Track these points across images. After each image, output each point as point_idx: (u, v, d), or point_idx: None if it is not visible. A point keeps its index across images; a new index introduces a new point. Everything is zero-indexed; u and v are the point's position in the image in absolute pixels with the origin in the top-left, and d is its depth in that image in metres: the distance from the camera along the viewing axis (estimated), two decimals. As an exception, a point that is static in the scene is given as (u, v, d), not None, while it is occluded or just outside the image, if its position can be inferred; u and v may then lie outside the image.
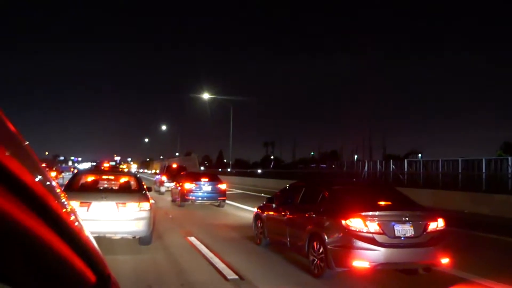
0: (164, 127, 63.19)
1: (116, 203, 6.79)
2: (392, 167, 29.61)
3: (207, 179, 15.29)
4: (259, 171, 49.91)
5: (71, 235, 0.66)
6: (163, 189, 21.67)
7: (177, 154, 63.32)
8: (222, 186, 15.50)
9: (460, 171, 23.01)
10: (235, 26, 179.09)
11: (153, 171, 75.33)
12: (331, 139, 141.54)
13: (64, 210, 0.67)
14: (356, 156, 56.48)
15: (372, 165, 33.25)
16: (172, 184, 18.56)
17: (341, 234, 5.26)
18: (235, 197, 18.85)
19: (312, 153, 76.67)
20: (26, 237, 0.52)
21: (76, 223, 0.73)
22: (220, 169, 58.68)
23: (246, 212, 13.80)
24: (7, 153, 0.49)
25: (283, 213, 6.82)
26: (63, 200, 0.72)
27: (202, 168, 54.50)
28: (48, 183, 0.63)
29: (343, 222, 5.26)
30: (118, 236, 6.91)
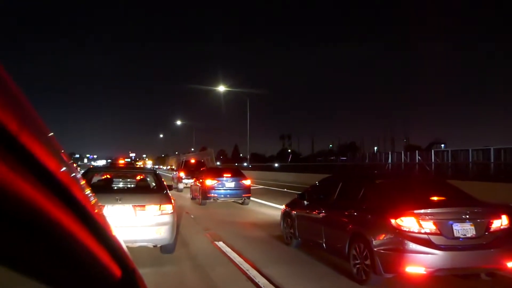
0: (178, 122, 63.09)
1: (133, 206, 6.33)
2: (418, 158, 28.95)
3: (230, 175, 15.05)
4: (276, 165, 50.01)
5: (97, 228, 0.68)
6: (181, 186, 21.65)
7: (192, 149, 63.63)
8: (247, 182, 15.18)
9: (492, 160, 22.33)
10: (250, 18, 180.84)
11: (169, 167, 76.14)
12: (349, 131, 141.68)
13: (90, 202, 0.69)
14: (376, 148, 55.71)
15: (396, 156, 32.66)
16: (191, 181, 18.49)
17: (391, 235, 4.89)
18: (257, 193, 18.55)
19: (331, 146, 76.12)
20: (53, 227, 0.53)
21: (102, 216, 0.73)
22: (236, 164, 58.67)
23: (271, 209, 13.68)
24: (35, 140, 0.50)
25: (317, 211, 6.57)
26: (88, 192, 0.73)
27: (218, 163, 54.55)
28: (73, 174, 0.64)
29: (393, 221, 4.89)
30: (136, 245, 6.46)
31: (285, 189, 22.15)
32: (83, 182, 0.71)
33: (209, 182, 14.82)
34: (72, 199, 0.59)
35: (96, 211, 0.70)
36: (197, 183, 15.81)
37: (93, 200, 0.74)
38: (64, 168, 0.58)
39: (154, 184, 7.88)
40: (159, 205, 6.44)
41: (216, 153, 60.89)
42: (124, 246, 0.84)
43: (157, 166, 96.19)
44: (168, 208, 6.51)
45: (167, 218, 6.45)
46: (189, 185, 18.93)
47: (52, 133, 0.60)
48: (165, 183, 7.51)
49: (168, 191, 6.98)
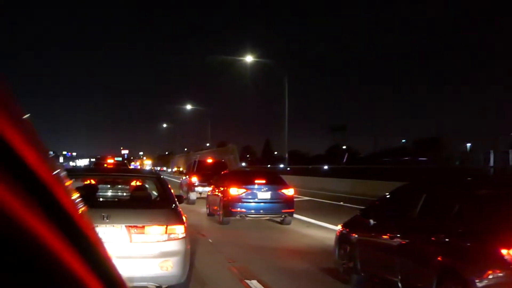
0: (188, 107, 63.34)
1: (128, 227, 6.33)
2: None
3: (264, 181, 15.12)
4: (326, 167, 49.58)
5: (86, 245, 0.72)
6: (193, 196, 22.06)
7: (207, 144, 63.78)
8: (288, 192, 15.08)
9: None
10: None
11: (175, 169, 77.23)
12: (428, 122, 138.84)
13: (77, 211, 0.73)
14: (469, 145, 54.43)
15: (501, 157, 31.55)
16: (207, 189, 18.90)
17: (502, 273, 4.90)
18: (300, 207, 18.32)
19: (404, 141, 74.93)
20: (28, 240, 0.57)
21: (92, 230, 0.78)
22: (268, 165, 58.65)
23: (321, 230, 14.00)
24: (7, 122, 0.54)
25: (389, 235, 6.64)
26: (76, 197, 0.78)
27: (243, 164, 54.42)
28: (57, 171, 0.67)
29: (505, 252, 4.87)
30: (131, 286, 6.39)
31: (341, 202, 22.24)
32: (68, 183, 0.75)
33: (234, 191, 14.75)
34: (53, 205, 0.61)
35: (84, 222, 0.73)
36: (217, 193, 15.91)
37: (81, 208, 0.78)
38: (45, 161, 0.61)
39: (156, 194, 8.03)
40: (165, 226, 6.43)
41: (240, 151, 60.88)
42: (119, 271, 0.90)
43: (158, 168, 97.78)
44: (179, 230, 6.50)
45: (177, 246, 6.45)
46: (205, 195, 19.11)
47: (28, 114, 0.64)
48: (173, 193, 7.39)
49: (178, 205, 7.01)
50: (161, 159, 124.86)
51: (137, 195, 7.66)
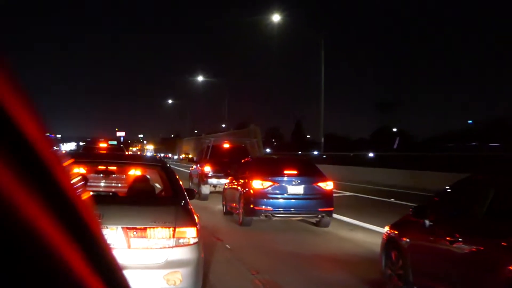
0: (200, 78, 63.44)
1: (125, 228, 6.44)
2: None
3: (295, 172, 15.17)
4: (371, 154, 49.47)
5: (95, 246, 0.79)
6: (206, 189, 22.38)
7: (223, 125, 63.89)
8: (326, 186, 15.11)
9: None
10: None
11: (182, 156, 77.77)
12: (500, 99, 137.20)
13: (80, 198, 0.79)
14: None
15: None
16: (223, 181, 19.35)
17: None
18: (340, 205, 18.39)
19: (471, 122, 74.16)
20: (27, 236, 0.62)
21: (95, 222, 0.86)
22: (299, 152, 58.71)
23: (365, 233, 14.26)
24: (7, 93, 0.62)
25: (449, 238, 6.66)
26: (78, 182, 0.86)
27: (267, 150, 54.42)
28: (57, 152, 0.74)
29: None
30: None
31: (392, 199, 22.25)
32: (69, 162, 0.88)
33: (257, 184, 14.81)
34: (53, 191, 0.66)
35: (87, 213, 0.79)
36: (236, 186, 16.07)
37: (84, 194, 0.84)
38: (43, 141, 0.68)
39: (161, 187, 8.18)
40: (172, 228, 6.50)
41: (264, 134, 60.71)
42: (122, 269, 0.98)
43: (162, 155, 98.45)
44: (190, 233, 6.59)
45: (188, 253, 6.54)
46: (221, 189, 19.43)
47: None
48: (182, 186, 7.44)
49: (189, 201, 7.09)
50: (166, 144, 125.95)
51: (137, 188, 7.68)
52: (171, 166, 8.96)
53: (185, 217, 6.63)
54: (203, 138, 43.87)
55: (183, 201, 6.93)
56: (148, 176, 9.02)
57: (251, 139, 34.57)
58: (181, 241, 6.46)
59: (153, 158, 10.91)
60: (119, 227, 6.36)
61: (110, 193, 10.62)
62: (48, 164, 0.67)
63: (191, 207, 6.94)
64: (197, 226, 6.68)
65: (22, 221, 0.61)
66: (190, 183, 24.58)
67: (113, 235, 6.29)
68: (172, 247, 6.44)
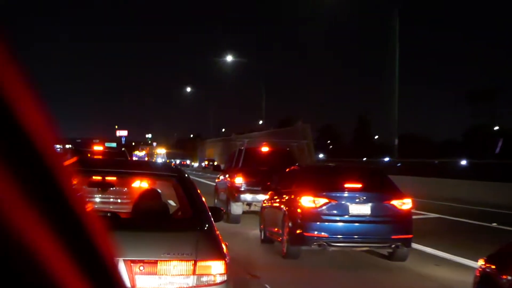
0: (229, 58, 63.58)
1: (129, 262, 6.54)
2: None
3: (359, 185, 15.17)
4: (464, 162, 49.18)
5: (97, 260, 0.88)
6: (237, 208, 22.45)
7: (260, 122, 63.91)
8: (403, 204, 15.01)
9: None
10: None
11: (205, 163, 77.95)
12: None
13: (88, 214, 0.89)
14: None
15: None
16: (261, 197, 19.47)
17: None
18: (422, 231, 18.15)
19: None
20: (12, 245, 0.69)
21: (108, 243, 0.96)
22: (364, 158, 58.62)
23: (455, 270, 14.23)
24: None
25: None
26: (86, 196, 1.11)
27: (320, 155, 54.33)
28: (62, 160, 0.84)
29: None
30: None
31: (494, 224, 22.20)
32: (72, 160, 1.12)
33: (308, 201, 14.73)
34: (57, 192, 0.74)
35: (94, 221, 0.88)
36: (278, 203, 16.08)
37: (87, 203, 0.93)
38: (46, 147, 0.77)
39: (176, 205, 8.51)
40: (192, 262, 6.59)
41: (315, 134, 60.33)
42: None
43: (177, 161, 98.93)
44: (216, 268, 6.67)
45: None
46: (258, 208, 19.63)
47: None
48: (205, 203, 7.49)
49: (214, 224, 7.19)
50: (183, 147, 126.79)
51: (145, 207, 7.76)
52: (190, 176, 8.94)
53: (210, 247, 6.71)
54: (234, 139, 44.06)
55: (207, 225, 7.00)
56: (159, 191, 9.11)
57: (299, 140, 34.53)
58: (204, 279, 6.51)
59: (166, 166, 11.01)
60: (121, 260, 6.37)
61: (109, 214, 10.66)
62: (48, 165, 0.74)
63: (218, 233, 6.99)
64: (226, 259, 6.70)
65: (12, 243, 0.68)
66: (216, 200, 24.65)
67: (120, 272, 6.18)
68: (192, 287, 6.47)
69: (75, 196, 0.84)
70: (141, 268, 6.45)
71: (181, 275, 6.50)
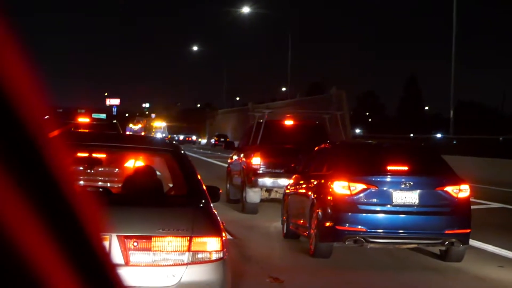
0: (246, 9, 63.52)
1: (122, 238, 7.11)
2: None
3: (406, 168, 15.24)
4: None
5: (92, 262, 0.96)
6: (254, 195, 22.52)
7: (283, 89, 63.68)
8: (459, 192, 15.00)
9: None
10: None
11: (214, 139, 77.78)
12: None
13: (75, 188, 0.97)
14: None
15: None
16: (283, 182, 19.88)
17: None
18: (483, 224, 18.19)
19: None
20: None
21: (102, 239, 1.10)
22: (412, 134, 58.41)
23: None
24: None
25: None
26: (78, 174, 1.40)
27: (357, 130, 54.35)
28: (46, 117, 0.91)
29: None
30: None
31: None
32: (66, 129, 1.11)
33: (342, 187, 14.78)
34: (53, 185, 0.81)
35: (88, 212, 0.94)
36: (305, 190, 16.21)
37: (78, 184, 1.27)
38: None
39: (174, 179, 9.04)
40: (188, 238, 7.19)
41: (352, 103, 60.02)
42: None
43: (180, 137, 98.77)
44: (213, 245, 7.29)
45: (210, 273, 7.29)
46: (279, 195, 19.79)
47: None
48: (200, 178, 8.03)
49: (210, 201, 7.87)
50: (188, 119, 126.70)
51: (137, 184, 8.26)
52: (186, 153, 9.36)
53: (206, 223, 7.32)
54: (252, 109, 43.95)
55: (203, 201, 7.54)
56: (158, 168, 9.86)
57: (331, 111, 34.45)
58: (199, 256, 7.12)
59: (159, 141, 11.31)
60: (114, 235, 6.95)
61: (100, 189, 10.90)
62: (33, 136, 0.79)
63: (213, 210, 7.54)
64: (223, 236, 7.32)
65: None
66: (228, 185, 24.82)
67: (106, 247, 6.59)
68: (187, 264, 7.07)
69: (61, 169, 0.88)
70: (135, 244, 6.97)
71: (176, 251, 7.02)
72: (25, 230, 0.80)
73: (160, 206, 7.63)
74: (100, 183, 13.28)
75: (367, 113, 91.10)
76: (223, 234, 7.34)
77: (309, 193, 15.67)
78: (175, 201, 8.17)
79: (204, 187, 8.08)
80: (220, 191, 10.43)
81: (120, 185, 10.54)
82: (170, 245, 7.07)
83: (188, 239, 7.08)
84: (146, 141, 12.10)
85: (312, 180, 15.72)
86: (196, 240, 7.11)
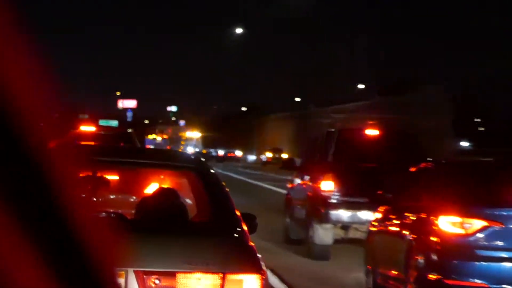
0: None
1: (140, 274, 7.56)
2: None
3: None
4: None
5: (91, 273, 1.05)
6: (325, 234, 22.48)
7: (361, 86, 63.99)
8: None
9: None
10: None
11: (266, 155, 78.67)
12: None
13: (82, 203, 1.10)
14: None
15: None
16: (366, 215, 20.10)
17: None
18: None
19: None
20: None
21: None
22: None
23: None
24: None
25: None
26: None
27: (463, 143, 54.71)
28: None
29: None
30: None
31: None
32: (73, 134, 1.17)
33: (451, 224, 14.67)
34: (45, 187, 0.91)
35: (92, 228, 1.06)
36: (398, 227, 16.14)
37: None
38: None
39: (200, 203, 9.30)
40: (220, 275, 7.62)
41: (456, 104, 60.12)
42: None
43: (220, 152, 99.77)
44: (251, 283, 7.67)
45: None
46: (361, 234, 20.09)
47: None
48: (234, 207, 8.34)
49: (245, 229, 8.05)
50: (227, 128, 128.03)
51: (156, 207, 8.55)
52: (215, 170, 9.89)
53: (243, 256, 7.59)
54: (318, 115, 44.04)
55: (238, 229, 7.79)
56: (180, 190, 10.02)
57: (430, 115, 34.27)
58: None
59: (179, 155, 11.43)
60: (131, 270, 7.32)
61: (112, 215, 11.02)
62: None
63: (250, 240, 7.78)
64: (263, 273, 7.45)
65: None
66: (288, 219, 24.79)
67: (121, 285, 7.13)
68: None
69: (65, 191, 1.00)
70: (156, 281, 7.35)
71: None
72: (26, 271, 0.88)
73: (185, 235, 7.93)
74: (121, 203, 13.44)
75: (478, 121, 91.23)
76: (264, 270, 7.58)
77: (405, 232, 15.52)
78: (204, 229, 8.39)
79: (238, 213, 8.24)
80: (256, 219, 10.47)
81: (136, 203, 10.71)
82: (199, 283, 7.38)
83: (221, 276, 7.40)
84: (161, 156, 12.74)
85: (409, 214, 15.58)
86: (231, 277, 7.51)
